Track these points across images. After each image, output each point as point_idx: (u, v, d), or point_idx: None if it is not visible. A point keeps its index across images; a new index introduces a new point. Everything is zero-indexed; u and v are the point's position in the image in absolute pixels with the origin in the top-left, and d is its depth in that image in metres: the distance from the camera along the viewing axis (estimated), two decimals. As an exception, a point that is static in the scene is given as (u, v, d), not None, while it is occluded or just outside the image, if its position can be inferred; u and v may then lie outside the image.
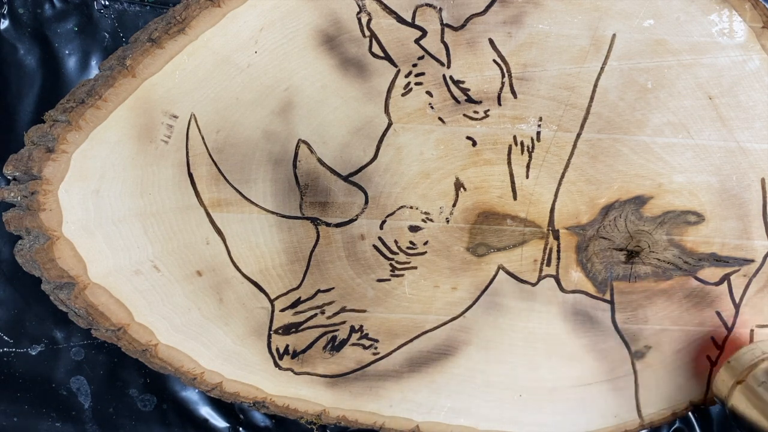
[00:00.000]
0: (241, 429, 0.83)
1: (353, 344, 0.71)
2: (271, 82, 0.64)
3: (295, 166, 0.66)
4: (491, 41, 0.64)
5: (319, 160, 0.66)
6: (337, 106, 0.65)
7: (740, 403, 0.62)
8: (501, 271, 0.69)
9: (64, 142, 0.62)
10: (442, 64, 0.64)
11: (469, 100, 0.65)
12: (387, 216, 0.68)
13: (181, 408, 0.83)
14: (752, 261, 0.69)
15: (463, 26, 0.63)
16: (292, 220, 0.67)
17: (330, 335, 0.71)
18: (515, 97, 0.65)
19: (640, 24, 0.64)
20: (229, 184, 0.66)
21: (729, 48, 0.64)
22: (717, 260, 0.69)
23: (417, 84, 0.65)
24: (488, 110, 0.65)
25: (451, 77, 0.64)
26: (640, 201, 0.67)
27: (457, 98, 0.65)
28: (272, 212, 0.67)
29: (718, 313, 0.71)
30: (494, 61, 0.64)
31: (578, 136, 0.66)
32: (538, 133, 0.66)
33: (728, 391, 0.65)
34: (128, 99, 0.62)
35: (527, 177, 0.67)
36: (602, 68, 0.64)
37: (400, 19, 0.63)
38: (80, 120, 0.62)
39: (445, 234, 0.68)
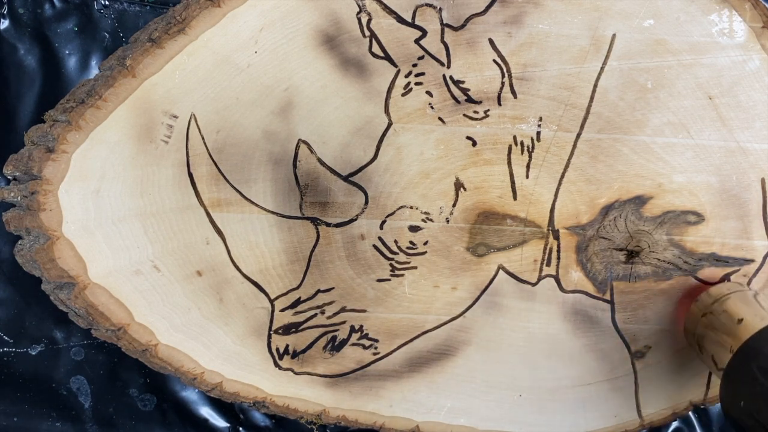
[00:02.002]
0: (241, 429, 0.83)
1: (353, 344, 0.71)
2: (271, 82, 0.64)
3: (295, 166, 0.66)
4: (491, 41, 0.64)
5: (319, 160, 0.66)
6: (337, 106, 0.65)
7: (704, 332, 0.65)
8: (501, 271, 0.69)
9: (64, 142, 0.62)
10: (442, 64, 0.64)
11: (469, 100, 0.65)
12: (387, 216, 0.68)
13: (181, 408, 0.83)
14: (752, 261, 0.69)
15: (463, 26, 0.63)
16: (292, 220, 0.67)
17: (330, 335, 0.71)
18: (515, 97, 0.65)
19: (640, 24, 0.64)
20: (229, 184, 0.66)
21: (729, 48, 0.64)
22: (717, 260, 0.69)
23: (417, 84, 0.65)
24: (488, 110, 0.65)
25: (451, 77, 0.64)
26: (640, 201, 0.67)
27: (457, 98, 0.65)
28: (272, 212, 0.67)
29: (718, 313, 0.71)
30: (494, 61, 0.64)
31: (578, 136, 0.66)
32: (538, 133, 0.66)
33: (695, 324, 0.67)
34: (128, 99, 0.62)
35: (527, 177, 0.67)
36: (602, 68, 0.64)
37: (400, 19, 0.63)
38: (80, 120, 0.62)
39: (445, 234, 0.68)
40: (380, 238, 0.68)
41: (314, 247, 0.68)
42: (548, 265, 0.69)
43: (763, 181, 0.67)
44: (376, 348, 0.71)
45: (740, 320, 0.61)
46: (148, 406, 0.83)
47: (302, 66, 0.63)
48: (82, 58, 0.77)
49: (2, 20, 0.76)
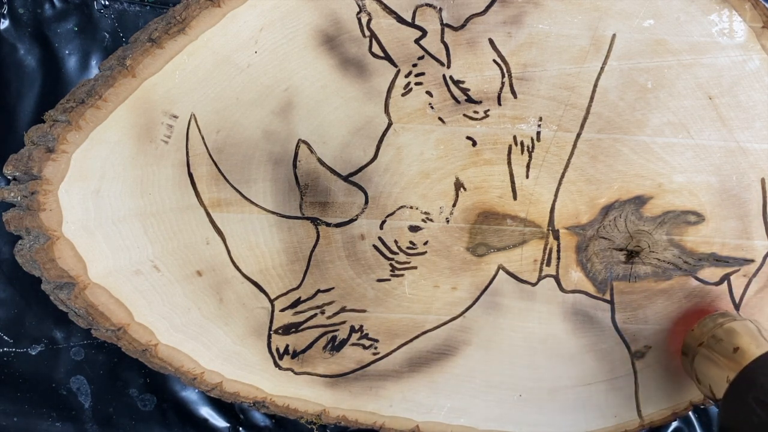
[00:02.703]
0: (241, 429, 0.83)
1: (353, 344, 0.71)
2: (271, 82, 0.64)
3: (295, 166, 0.66)
4: (491, 41, 0.64)
5: (319, 160, 0.66)
6: (337, 106, 0.65)
7: (701, 362, 0.65)
8: (501, 271, 0.69)
9: (64, 142, 0.62)
10: (442, 64, 0.64)
11: (469, 100, 0.65)
12: (387, 216, 0.68)
13: (181, 408, 0.83)
14: (752, 261, 0.69)
15: (463, 26, 0.63)
16: (292, 220, 0.67)
17: (330, 335, 0.71)
18: (515, 97, 0.65)
19: (640, 24, 0.64)
20: (229, 184, 0.66)
21: (729, 48, 0.64)
22: (717, 260, 0.69)
23: (417, 84, 0.65)
24: (488, 110, 0.65)
25: (451, 77, 0.64)
26: (640, 201, 0.67)
27: (457, 98, 0.65)
28: (272, 212, 0.67)
29: (718, 313, 0.71)
30: (494, 61, 0.64)
31: (578, 136, 0.66)
32: (538, 133, 0.66)
33: (693, 355, 0.67)
34: (128, 99, 0.62)
35: (527, 177, 0.67)
36: (602, 68, 0.64)
37: (400, 19, 0.63)
38: (80, 120, 0.62)
39: (445, 234, 0.68)
40: (380, 238, 0.68)
41: (314, 247, 0.68)
42: (548, 265, 0.69)
43: (763, 181, 0.67)
44: (376, 348, 0.71)
45: (736, 349, 0.61)
46: (148, 406, 0.83)
47: (302, 66, 0.63)
48: (82, 58, 0.77)
49: (2, 20, 0.76)
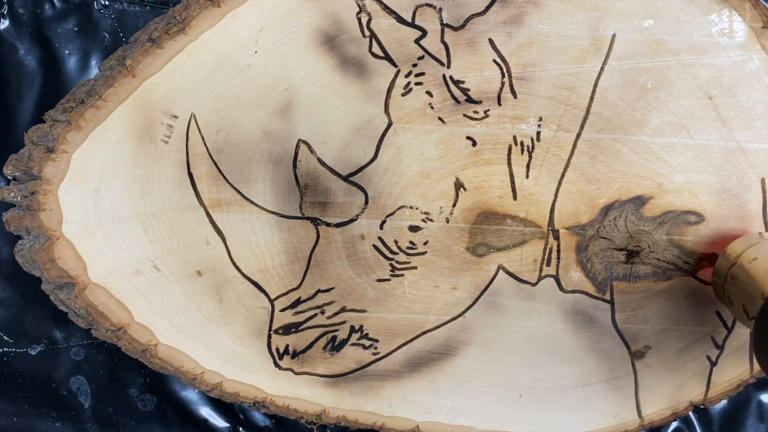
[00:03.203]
0: (241, 429, 0.83)
1: (353, 344, 0.71)
2: (270, 82, 0.64)
3: (295, 166, 0.66)
4: (491, 41, 0.64)
5: (319, 160, 0.66)
6: (337, 106, 0.65)
7: (734, 282, 0.64)
8: (501, 271, 0.69)
9: (64, 142, 0.62)
10: (442, 64, 0.64)
11: (469, 100, 0.65)
12: (387, 216, 0.68)
13: (181, 408, 0.83)
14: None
15: (463, 26, 0.63)
16: (292, 220, 0.67)
17: (330, 335, 0.71)
18: (515, 97, 0.65)
19: (640, 24, 0.64)
20: (229, 184, 0.66)
21: (729, 48, 0.64)
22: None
23: (417, 84, 0.65)
24: (488, 110, 0.65)
25: (451, 77, 0.64)
26: (640, 201, 0.67)
27: (457, 98, 0.65)
28: (272, 212, 0.67)
29: (718, 313, 0.71)
30: (494, 61, 0.64)
31: (578, 136, 0.66)
32: (538, 133, 0.66)
33: (725, 276, 0.66)
34: (128, 99, 0.62)
35: (527, 177, 0.67)
36: (602, 68, 0.64)
37: (400, 19, 0.63)
38: (80, 120, 0.62)
39: (445, 234, 0.68)
40: (380, 238, 0.68)
41: (314, 247, 0.68)
42: (548, 265, 0.69)
43: (763, 181, 0.67)
44: (376, 348, 0.71)
45: None
46: (148, 406, 0.83)
47: (302, 66, 0.64)
48: (82, 58, 0.77)
49: (2, 20, 0.76)
